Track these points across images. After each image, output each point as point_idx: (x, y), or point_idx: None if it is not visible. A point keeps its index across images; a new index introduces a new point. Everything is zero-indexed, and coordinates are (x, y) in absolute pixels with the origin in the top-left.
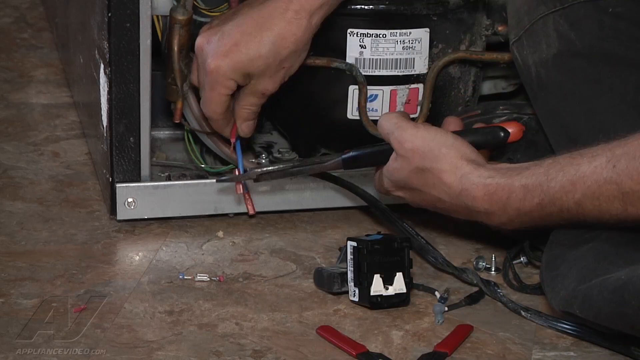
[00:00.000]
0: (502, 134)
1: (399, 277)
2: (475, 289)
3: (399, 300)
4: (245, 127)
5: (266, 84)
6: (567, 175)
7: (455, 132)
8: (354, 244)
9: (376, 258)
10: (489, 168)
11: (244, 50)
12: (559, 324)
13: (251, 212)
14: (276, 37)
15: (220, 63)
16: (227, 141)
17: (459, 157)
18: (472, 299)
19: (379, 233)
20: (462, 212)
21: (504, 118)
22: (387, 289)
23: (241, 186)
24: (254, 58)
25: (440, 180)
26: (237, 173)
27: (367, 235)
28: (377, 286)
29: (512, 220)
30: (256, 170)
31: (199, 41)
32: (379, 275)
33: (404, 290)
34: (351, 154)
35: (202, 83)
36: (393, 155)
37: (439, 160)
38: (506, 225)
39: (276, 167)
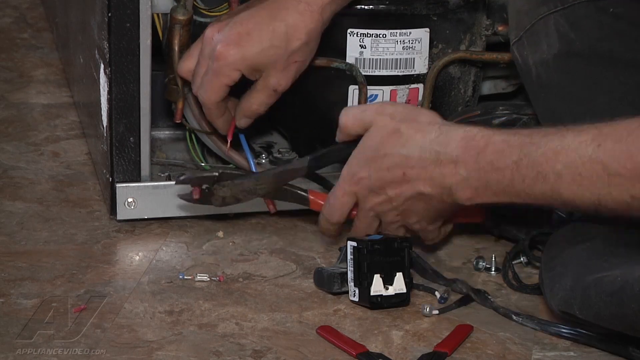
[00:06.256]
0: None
1: (399, 277)
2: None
3: (399, 300)
4: (243, 122)
5: (278, 78)
6: (551, 143)
7: None
8: (354, 243)
9: (376, 258)
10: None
11: (256, 39)
12: (552, 328)
13: (272, 211)
14: (289, 28)
15: (230, 51)
16: (224, 139)
17: (440, 116)
18: (462, 302)
19: (379, 233)
20: (429, 167)
21: (503, 119)
22: (387, 289)
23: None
24: (265, 48)
25: (415, 133)
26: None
27: (367, 236)
28: (377, 286)
29: (480, 178)
30: (214, 173)
31: (209, 31)
32: (379, 275)
33: (404, 290)
34: (315, 154)
35: (206, 70)
36: (365, 136)
37: (422, 115)
38: (470, 191)
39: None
